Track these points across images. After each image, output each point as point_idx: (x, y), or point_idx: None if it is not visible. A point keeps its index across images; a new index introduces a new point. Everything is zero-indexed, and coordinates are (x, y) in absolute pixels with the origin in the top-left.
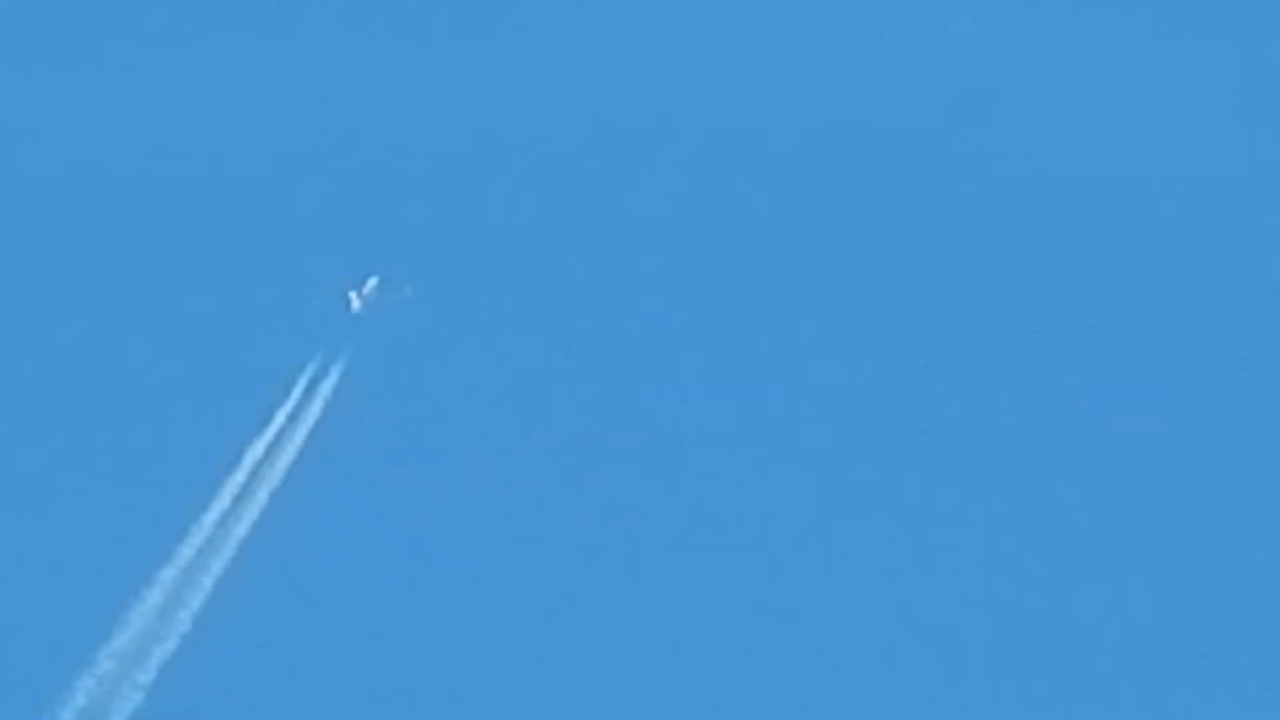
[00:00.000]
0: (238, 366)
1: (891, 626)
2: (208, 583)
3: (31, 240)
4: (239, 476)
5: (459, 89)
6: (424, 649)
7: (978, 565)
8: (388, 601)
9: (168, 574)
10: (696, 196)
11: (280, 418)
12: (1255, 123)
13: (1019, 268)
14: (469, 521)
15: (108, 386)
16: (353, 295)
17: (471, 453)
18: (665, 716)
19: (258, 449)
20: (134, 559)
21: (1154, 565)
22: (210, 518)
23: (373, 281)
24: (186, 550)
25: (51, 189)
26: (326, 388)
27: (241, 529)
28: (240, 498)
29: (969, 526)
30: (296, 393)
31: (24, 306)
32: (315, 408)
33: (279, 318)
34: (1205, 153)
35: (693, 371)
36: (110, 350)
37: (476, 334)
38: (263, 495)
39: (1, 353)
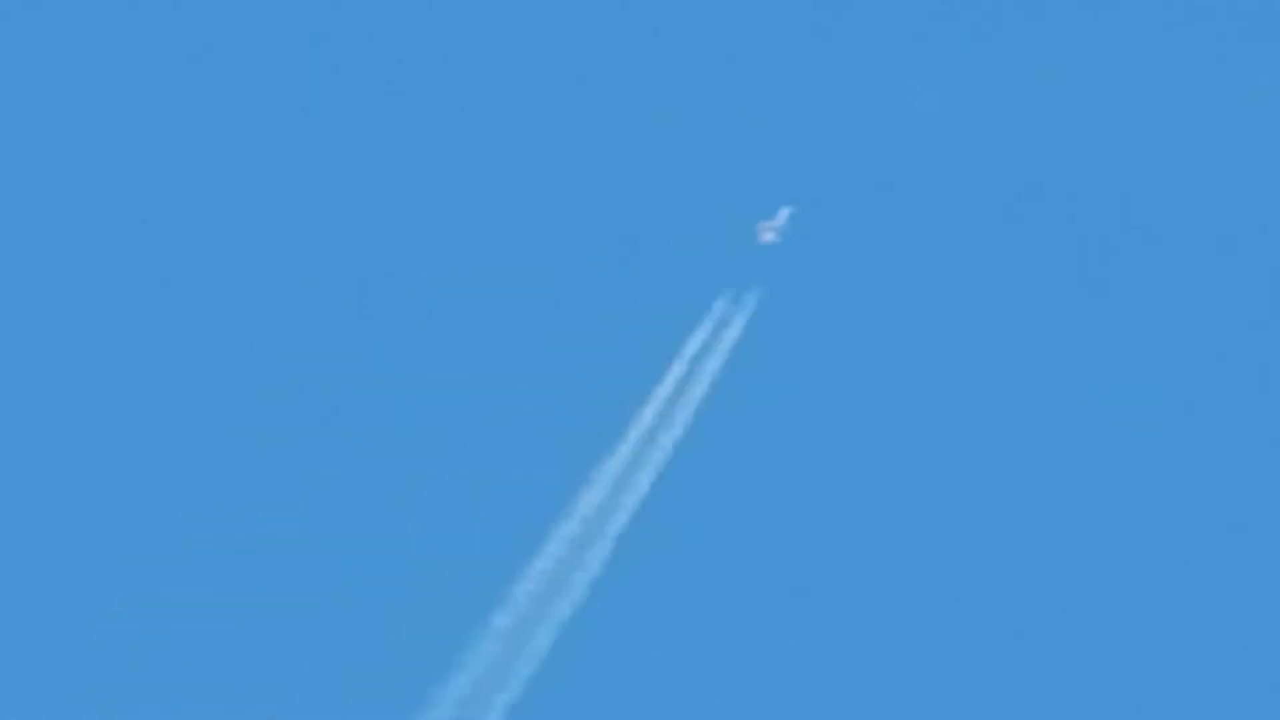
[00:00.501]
0: (641, 305)
1: (891, 627)
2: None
3: None
4: (644, 422)
5: None
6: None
7: (977, 566)
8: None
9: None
10: None
11: (686, 356)
12: None
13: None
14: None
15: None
16: (763, 226)
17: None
18: None
19: (663, 390)
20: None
21: (1153, 566)
22: (610, 470)
23: (784, 213)
24: (590, 498)
25: None
26: (736, 326)
27: (644, 480)
28: (643, 446)
29: (968, 527)
30: (704, 331)
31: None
32: (724, 346)
33: (685, 255)
34: None
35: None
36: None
37: (889, 264)
38: (667, 444)
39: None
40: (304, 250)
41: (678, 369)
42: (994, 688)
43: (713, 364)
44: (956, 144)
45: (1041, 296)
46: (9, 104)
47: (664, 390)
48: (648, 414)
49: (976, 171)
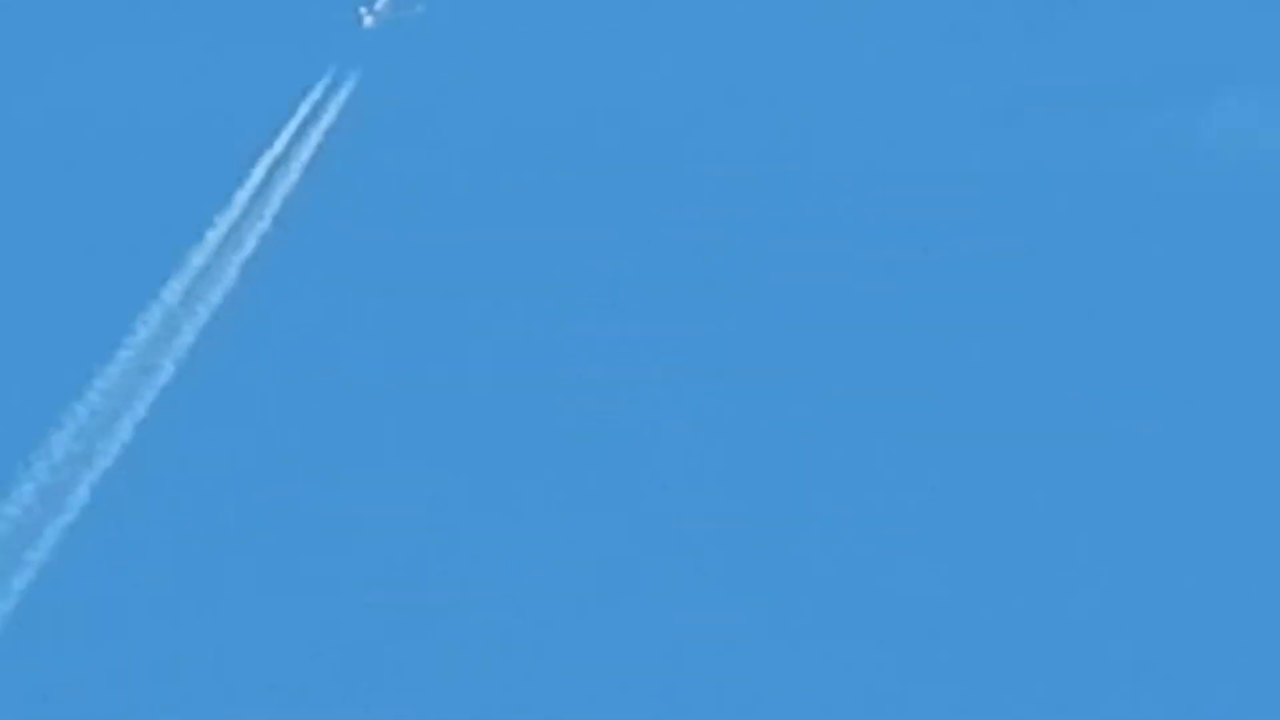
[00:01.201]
0: (249, 78)
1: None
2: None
3: None
4: (246, 192)
5: None
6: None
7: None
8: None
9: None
10: None
11: (287, 134)
12: None
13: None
14: (475, 248)
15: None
16: (364, 11)
17: (479, 177)
18: None
19: (266, 161)
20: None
21: (1152, 565)
22: (218, 231)
23: None
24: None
25: None
26: (336, 104)
27: (252, 239)
28: (247, 213)
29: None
30: (305, 108)
31: None
32: (324, 123)
33: (291, 34)
34: None
35: None
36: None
37: (487, 52)
38: (268, 214)
39: None
40: None
41: (282, 140)
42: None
43: (313, 139)
44: None
45: None
46: None
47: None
48: (247, 189)
49: None
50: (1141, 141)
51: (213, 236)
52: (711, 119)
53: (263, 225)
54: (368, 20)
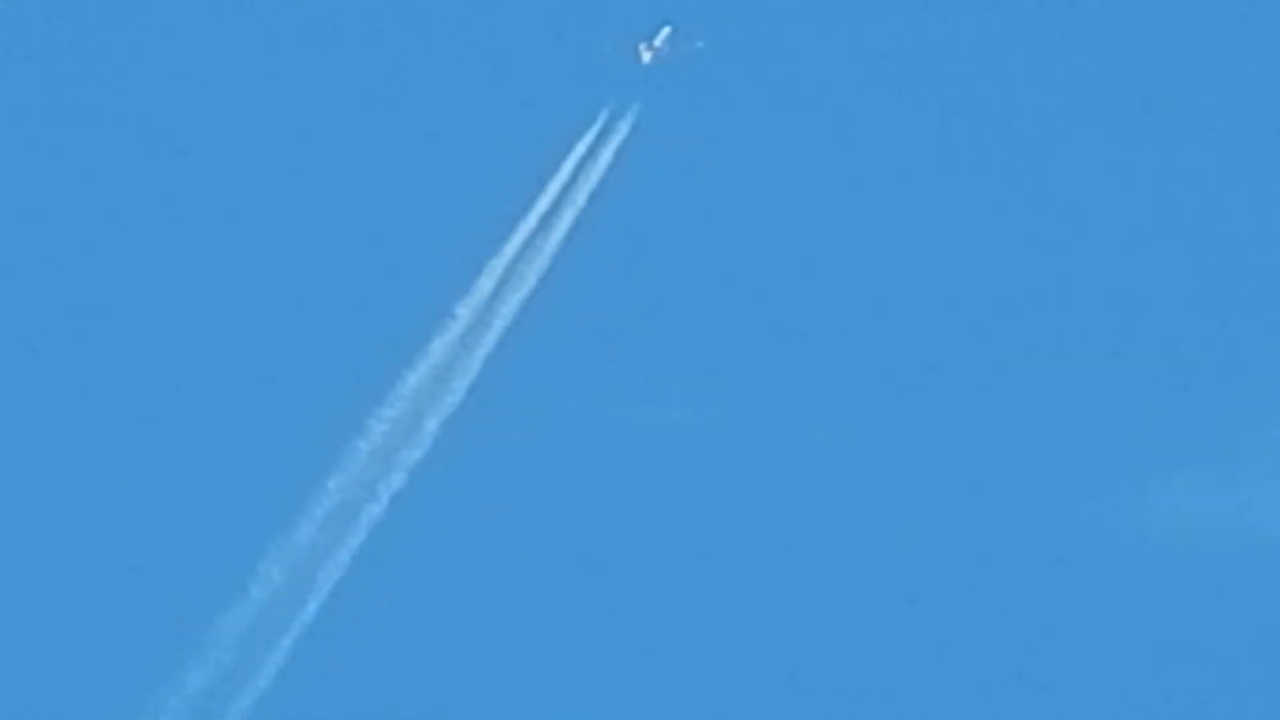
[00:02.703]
0: (528, 112)
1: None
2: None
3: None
4: (525, 228)
5: None
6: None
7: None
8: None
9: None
10: None
11: (567, 170)
12: None
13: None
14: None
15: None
16: (643, 47)
17: (756, 213)
18: None
19: (546, 200)
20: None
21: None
22: (501, 261)
23: (665, 32)
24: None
25: None
26: (615, 140)
27: (532, 277)
28: (531, 243)
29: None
30: (584, 145)
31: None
32: (603, 159)
33: (569, 70)
34: None
35: None
36: (396, 101)
37: (766, 88)
38: (553, 244)
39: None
40: None
41: (561, 178)
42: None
43: (595, 174)
44: None
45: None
46: None
47: (547, 199)
48: (532, 218)
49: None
50: (1083, 524)
51: (495, 268)
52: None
53: (542, 262)
54: (646, 56)
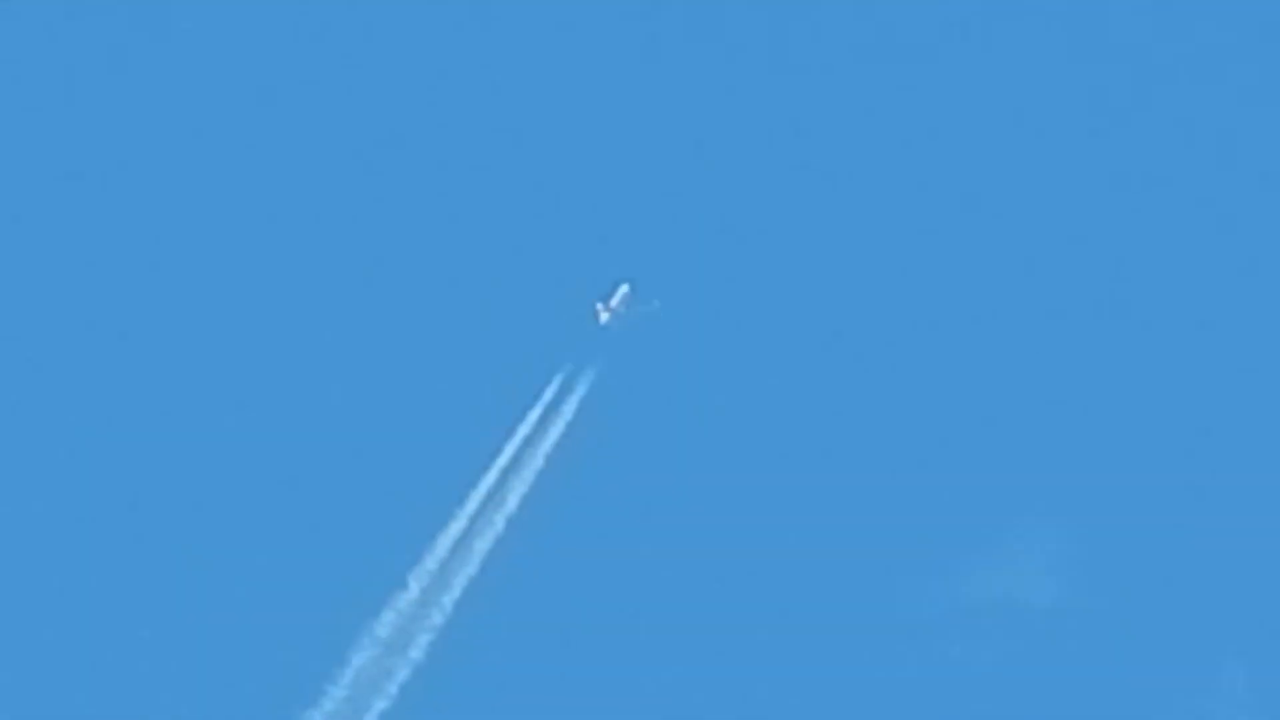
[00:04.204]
0: (485, 375)
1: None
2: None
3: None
4: (486, 483)
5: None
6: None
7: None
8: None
9: (419, 574)
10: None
11: (527, 427)
12: None
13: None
14: (720, 528)
15: (354, 391)
16: (600, 307)
17: (724, 464)
18: None
19: (503, 459)
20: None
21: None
22: (457, 524)
23: (623, 290)
24: (435, 554)
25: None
26: (575, 398)
27: (491, 532)
28: (488, 503)
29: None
30: (543, 403)
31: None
32: (563, 418)
33: (528, 329)
34: None
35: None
36: (356, 359)
37: (726, 345)
38: (512, 501)
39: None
40: None
41: (515, 442)
42: None
43: (549, 439)
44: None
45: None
46: None
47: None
48: (488, 480)
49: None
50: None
51: (450, 533)
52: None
53: (494, 529)
54: (604, 316)
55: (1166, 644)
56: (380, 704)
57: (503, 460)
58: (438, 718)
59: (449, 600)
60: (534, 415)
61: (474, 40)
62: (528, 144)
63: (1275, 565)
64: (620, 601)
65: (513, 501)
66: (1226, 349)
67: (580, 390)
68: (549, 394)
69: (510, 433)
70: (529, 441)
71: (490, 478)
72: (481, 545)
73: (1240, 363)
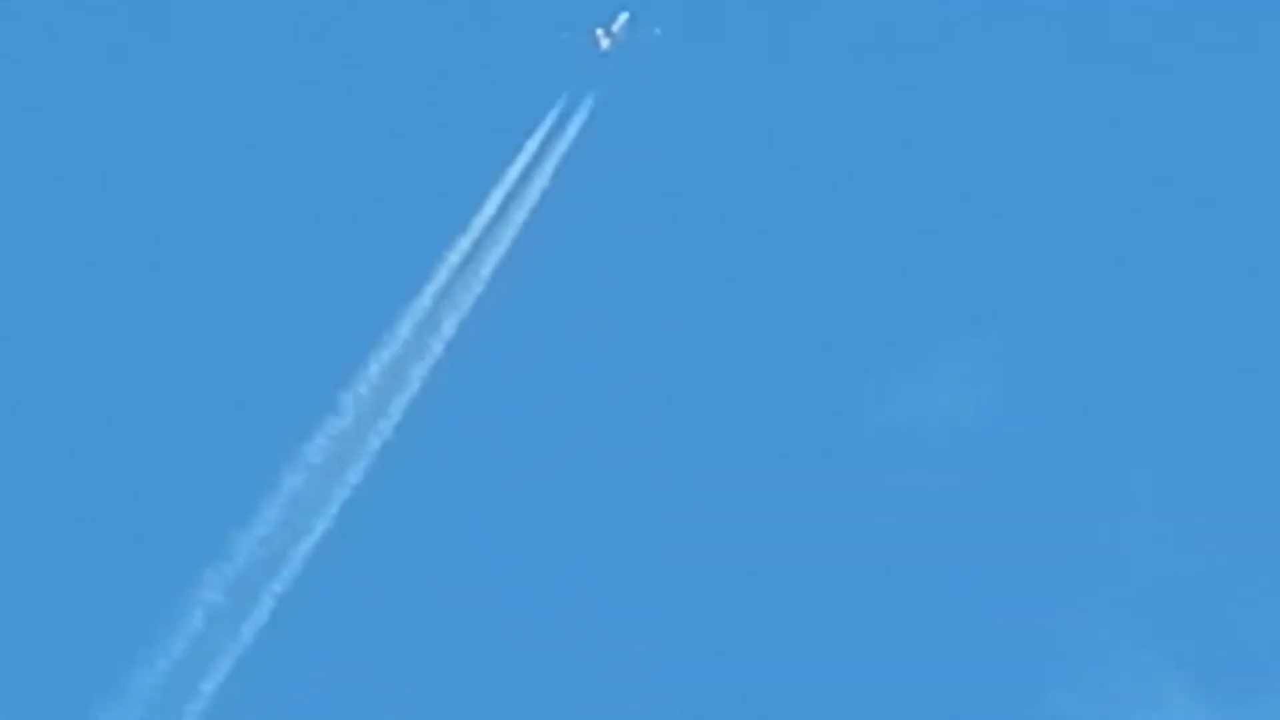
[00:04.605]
0: (487, 98)
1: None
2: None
3: None
4: (485, 213)
5: None
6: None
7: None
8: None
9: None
10: None
11: (525, 158)
12: None
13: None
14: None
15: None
16: (600, 33)
17: (715, 202)
18: None
19: (503, 187)
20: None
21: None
22: (459, 250)
23: (622, 18)
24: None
25: None
26: (573, 127)
27: (490, 262)
28: (489, 230)
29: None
30: (542, 131)
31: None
32: (560, 147)
33: (528, 57)
34: None
35: None
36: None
37: (724, 76)
38: (511, 232)
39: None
40: None
41: (519, 163)
42: None
43: (552, 160)
44: None
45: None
46: None
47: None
48: (490, 205)
49: None
50: None
51: (460, 247)
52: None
53: (500, 249)
54: (604, 43)
55: (1083, 457)
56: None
57: (502, 189)
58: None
59: (435, 348)
60: (537, 137)
61: None
62: None
63: (1185, 378)
64: (574, 406)
65: (515, 225)
66: (1152, 168)
67: (580, 118)
68: (551, 118)
69: (513, 157)
70: (533, 162)
71: (492, 203)
72: (492, 257)
73: (1163, 181)
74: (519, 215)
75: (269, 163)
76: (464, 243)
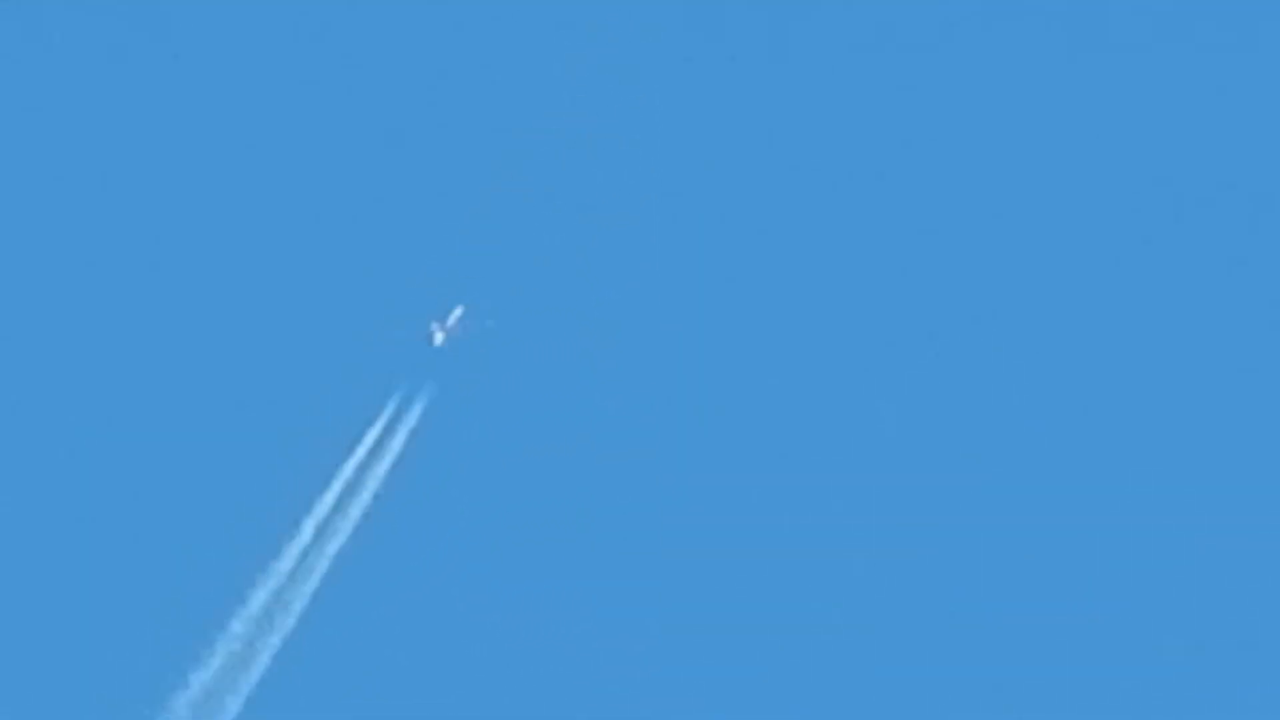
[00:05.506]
0: (317, 401)
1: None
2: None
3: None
4: (317, 515)
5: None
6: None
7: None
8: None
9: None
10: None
11: (360, 453)
12: None
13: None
14: (556, 553)
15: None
16: (435, 327)
17: (559, 490)
18: None
19: (336, 488)
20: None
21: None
22: (292, 549)
23: (457, 312)
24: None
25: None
26: (409, 423)
27: (324, 561)
28: (320, 534)
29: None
30: (377, 428)
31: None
32: (397, 443)
33: (359, 352)
34: None
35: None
36: (185, 385)
37: (564, 365)
38: (342, 537)
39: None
40: None
41: (350, 467)
42: None
43: (383, 464)
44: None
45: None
46: None
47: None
48: (319, 511)
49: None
50: None
51: (278, 568)
52: None
53: (325, 560)
54: (439, 337)
55: (1083, 457)
56: None
57: (337, 485)
58: None
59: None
60: (370, 437)
61: (298, 41)
62: (357, 165)
63: (1185, 378)
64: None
65: (348, 529)
66: (1152, 168)
67: (416, 411)
68: (385, 415)
69: (348, 453)
70: (366, 461)
71: (327, 500)
72: (319, 564)
73: (1163, 181)
74: (351, 518)
75: None
76: (293, 549)
